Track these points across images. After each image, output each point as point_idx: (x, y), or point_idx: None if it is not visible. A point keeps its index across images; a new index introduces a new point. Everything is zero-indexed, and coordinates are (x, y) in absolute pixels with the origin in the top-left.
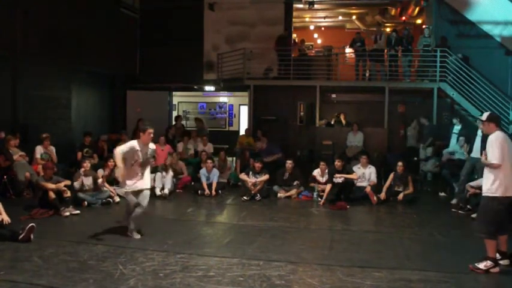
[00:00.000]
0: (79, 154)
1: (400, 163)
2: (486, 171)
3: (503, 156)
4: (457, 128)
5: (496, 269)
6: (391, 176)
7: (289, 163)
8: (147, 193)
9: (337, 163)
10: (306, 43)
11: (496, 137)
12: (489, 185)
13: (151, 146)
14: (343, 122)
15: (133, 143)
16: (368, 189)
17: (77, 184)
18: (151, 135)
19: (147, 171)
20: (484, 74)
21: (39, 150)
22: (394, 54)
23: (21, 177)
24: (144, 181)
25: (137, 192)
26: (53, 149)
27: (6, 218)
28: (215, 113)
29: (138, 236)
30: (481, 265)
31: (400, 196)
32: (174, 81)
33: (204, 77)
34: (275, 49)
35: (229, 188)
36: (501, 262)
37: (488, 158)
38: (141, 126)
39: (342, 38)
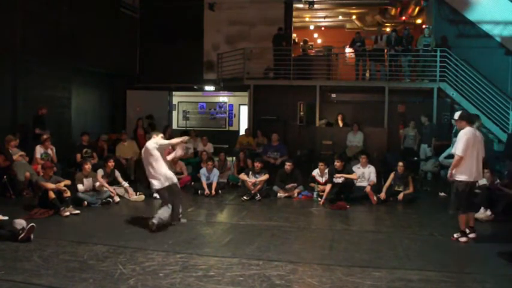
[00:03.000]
0: (78, 156)
1: (400, 163)
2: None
3: (466, 149)
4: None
5: (464, 239)
6: (392, 175)
7: (288, 165)
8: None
9: (337, 163)
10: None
11: (464, 133)
12: (455, 171)
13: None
14: (340, 123)
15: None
16: (368, 189)
17: (81, 187)
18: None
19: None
20: (484, 74)
21: (39, 150)
22: (394, 54)
23: (21, 177)
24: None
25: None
26: (53, 149)
27: None
28: (215, 113)
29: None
30: (455, 235)
31: (400, 196)
32: (174, 81)
33: (204, 77)
34: (274, 49)
35: (229, 188)
36: (470, 236)
37: (452, 150)
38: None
39: (342, 38)
